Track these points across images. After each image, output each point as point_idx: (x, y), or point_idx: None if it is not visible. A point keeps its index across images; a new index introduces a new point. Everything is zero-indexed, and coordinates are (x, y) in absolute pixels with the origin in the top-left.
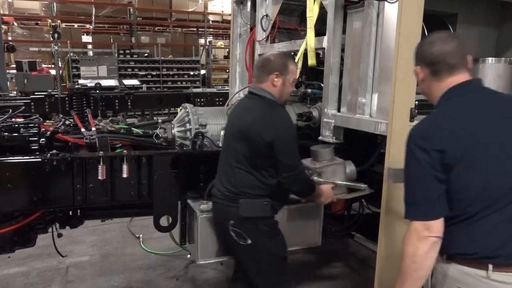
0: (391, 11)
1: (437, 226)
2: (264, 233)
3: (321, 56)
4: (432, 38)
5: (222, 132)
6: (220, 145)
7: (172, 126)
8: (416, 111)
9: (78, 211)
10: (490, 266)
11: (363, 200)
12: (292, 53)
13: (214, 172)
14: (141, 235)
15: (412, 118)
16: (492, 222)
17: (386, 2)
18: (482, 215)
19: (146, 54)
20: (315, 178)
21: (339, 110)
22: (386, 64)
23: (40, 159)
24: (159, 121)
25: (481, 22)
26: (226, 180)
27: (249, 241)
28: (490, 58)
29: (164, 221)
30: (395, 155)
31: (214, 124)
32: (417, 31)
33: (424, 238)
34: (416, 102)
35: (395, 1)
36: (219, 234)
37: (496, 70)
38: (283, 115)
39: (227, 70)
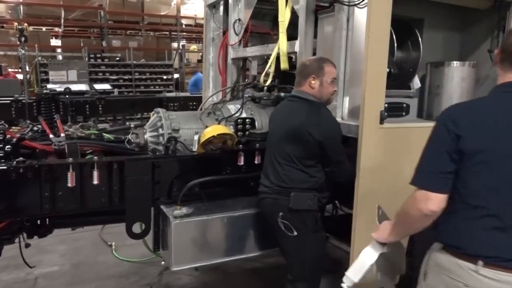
0: (360, 16)
1: (437, 200)
2: (309, 226)
3: (293, 60)
4: None
5: (196, 137)
6: (194, 149)
7: (144, 131)
8: (386, 113)
9: (47, 219)
10: (481, 262)
11: (336, 201)
12: (265, 57)
13: (188, 176)
14: (113, 243)
15: (382, 121)
16: (491, 224)
17: (355, 7)
18: (482, 214)
19: (117, 58)
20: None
21: None
22: (356, 68)
23: (5, 167)
24: (132, 126)
25: (446, 27)
26: (274, 177)
27: (295, 233)
28: (455, 62)
29: (137, 227)
30: (367, 157)
31: (187, 128)
32: (385, 35)
33: (419, 209)
34: (386, 104)
35: (364, 6)
36: (269, 226)
37: (460, 73)
38: (328, 115)
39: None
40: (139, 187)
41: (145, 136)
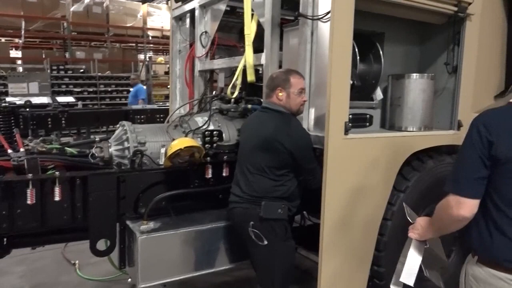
0: (324, 29)
1: (468, 205)
2: (279, 235)
3: (260, 72)
4: None
5: (162, 150)
6: (161, 163)
7: (109, 144)
8: (350, 124)
9: (4, 239)
10: None
11: (304, 212)
12: (233, 69)
13: (155, 191)
14: (77, 261)
15: (346, 131)
16: None
17: (319, 21)
18: None
19: (81, 70)
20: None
21: None
22: (321, 80)
23: None
24: (96, 139)
25: (405, 41)
26: (245, 186)
27: (266, 242)
28: (414, 74)
29: (101, 244)
30: (332, 167)
31: (153, 141)
32: (348, 48)
33: (450, 215)
34: (350, 115)
35: (327, 21)
36: (238, 237)
37: (420, 85)
38: (298, 125)
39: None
40: (104, 203)
41: (110, 150)
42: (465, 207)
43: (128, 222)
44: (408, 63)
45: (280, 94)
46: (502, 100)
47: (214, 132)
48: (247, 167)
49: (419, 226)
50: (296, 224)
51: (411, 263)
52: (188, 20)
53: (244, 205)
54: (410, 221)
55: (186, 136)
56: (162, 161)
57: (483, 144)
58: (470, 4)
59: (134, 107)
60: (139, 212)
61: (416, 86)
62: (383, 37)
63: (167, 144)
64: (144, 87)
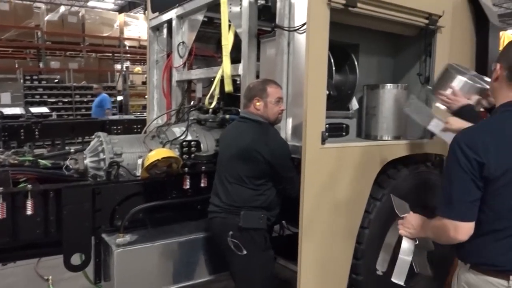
0: (300, 40)
1: (465, 229)
2: (258, 245)
3: (238, 82)
4: None
5: (139, 161)
6: (137, 174)
7: (84, 156)
8: (327, 134)
9: None
10: None
11: (283, 221)
12: (212, 79)
13: (132, 203)
14: (50, 277)
15: (323, 141)
16: None
17: (295, 33)
18: (510, 233)
19: (56, 80)
20: None
21: None
22: (298, 90)
23: None
24: (71, 151)
25: (379, 52)
26: (224, 196)
27: (245, 252)
28: (388, 85)
29: (76, 259)
30: (310, 176)
31: (130, 152)
32: (323, 59)
33: (448, 237)
34: (327, 125)
35: (303, 32)
36: (216, 248)
37: (394, 95)
38: (276, 134)
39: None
40: (78, 216)
41: (85, 162)
42: (463, 231)
43: (103, 235)
44: (382, 74)
45: (258, 103)
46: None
47: (192, 143)
48: (225, 177)
49: (410, 225)
50: (275, 234)
51: (402, 263)
52: (165, 31)
53: (223, 215)
54: (398, 214)
55: (163, 146)
56: (139, 172)
57: (473, 167)
58: (440, 17)
59: (111, 117)
60: (116, 224)
61: (390, 96)
62: (358, 49)
63: (144, 155)
64: (108, 96)
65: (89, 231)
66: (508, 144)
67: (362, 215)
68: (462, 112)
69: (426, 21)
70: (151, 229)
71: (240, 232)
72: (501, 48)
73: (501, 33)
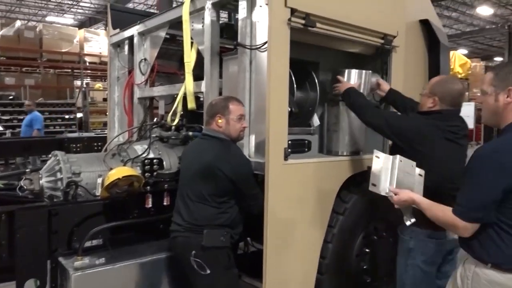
0: (262, 58)
1: (473, 229)
2: (221, 264)
3: (201, 99)
4: None
5: (99, 180)
6: (97, 194)
7: (40, 176)
8: (289, 150)
9: None
10: None
11: (248, 238)
12: (175, 96)
13: (91, 224)
14: None
15: (286, 157)
16: None
17: (257, 51)
18: None
19: (11, 97)
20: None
21: None
22: (260, 107)
23: None
24: (26, 170)
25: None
26: (187, 214)
27: (208, 271)
28: None
29: (30, 285)
30: (273, 192)
31: (89, 171)
32: (285, 77)
33: (454, 231)
34: (289, 141)
35: (265, 50)
36: (178, 268)
37: (351, 112)
38: (238, 151)
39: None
40: (33, 239)
41: (41, 182)
42: (471, 231)
43: (60, 259)
44: None
45: (220, 121)
46: None
47: (154, 160)
48: (188, 195)
49: (405, 200)
50: (240, 251)
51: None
52: (126, 47)
53: (186, 234)
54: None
55: (124, 165)
56: (98, 192)
57: (497, 179)
58: (395, 37)
59: (70, 135)
60: (74, 247)
61: (350, 112)
62: (318, 66)
63: (104, 173)
64: (40, 115)
65: (44, 254)
66: None
67: (326, 229)
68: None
69: (382, 41)
70: (112, 250)
71: (203, 251)
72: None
73: (452, 52)
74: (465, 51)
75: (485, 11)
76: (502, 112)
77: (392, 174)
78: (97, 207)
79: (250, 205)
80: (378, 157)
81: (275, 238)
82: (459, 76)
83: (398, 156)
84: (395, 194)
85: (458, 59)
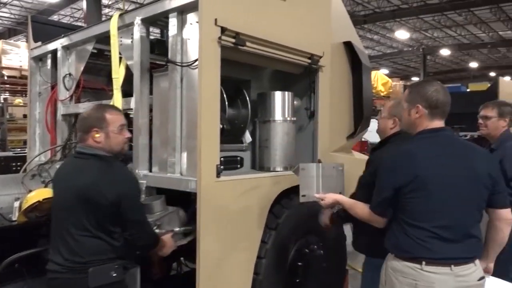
0: (193, 76)
1: (383, 221)
2: None
3: (131, 116)
4: (437, 87)
5: (16, 204)
6: (14, 218)
7: None
8: (222, 167)
9: None
10: (423, 262)
11: (182, 258)
12: None
13: (5, 251)
14: None
15: (218, 174)
16: (428, 235)
17: (188, 68)
18: (423, 229)
19: None
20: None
21: (150, 170)
22: (192, 124)
23: None
24: None
25: (270, 87)
26: (67, 251)
27: None
28: (278, 118)
29: None
30: (206, 210)
31: (4, 194)
32: (216, 94)
33: (369, 219)
34: (222, 158)
35: (196, 68)
36: None
37: (283, 128)
38: (122, 169)
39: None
40: None
41: None
42: (381, 223)
43: None
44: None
45: (97, 135)
46: (353, 140)
47: None
48: (66, 228)
49: (331, 201)
50: (173, 271)
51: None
52: (49, 61)
53: (67, 275)
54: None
55: (45, 186)
56: (15, 216)
57: (395, 178)
58: (321, 57)
59: None
60: None
61: (280, 129)
62: (249, 84)
63: (22, 196)
64: None
65: None
66: (426, 158)
67: (259, 245)
68: None
69: (309, 61)
70: (30, 280)
71: None
72: (375, 85)
73: (374, 72)
74: (386, 71)
75: (402, 35)
76: (413, 124)
77: (318, 181)
78: (13, 233)
79: (133, 235)
80: (304, 169)
81: (208, 257)
82: (381, 94)
83: (320, 164)
84: (322, 200)
85: (380, 78)
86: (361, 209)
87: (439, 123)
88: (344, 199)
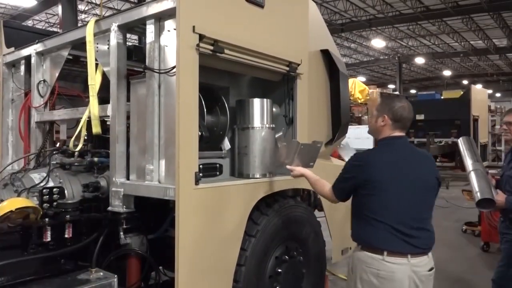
0: (171, 82)
1: (338, 201)
2: None
3: (107, 123)
4: (404, 105)
5: None
6: None
7: None
8: (201, 174)
9: None
10: (385, 253)
11: (160, 267)
12: (79, 120)
13: None
14: None
15: (197, 181)
16: (389, 229)
17: (166, 75)
18: (382, 223)
19: None
20: None
21: (128, 178)
22: (170, 131)
23: None
24: None
25: (248, 94)
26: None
27: None
28: (257, 126)
29: None
30: (185, 218)
31: None
32: (194, 101)
33: (327, 197)
34: (200, 165)
35: (174, 75)
36: None
37: (262, 135)
38: None
39: None
40: None
41: None
42: (336, 202)
43: None
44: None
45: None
46: (332, 146)
47: (54, 189)
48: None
49: (299, 174)
50: (152, 281)
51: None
52: (23, 67)
53: None
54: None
55: (18, 195)
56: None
57: (356, 174)
58: (299, 65)
59: None
60: None
61: (259, 136)
62: (228, 91)
63: None
64: None
65: None
66: (385, 161)
67: (238, 253)
68: None
69: (287, 68)
70: None
71: None
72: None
73: (352, 79)
74: (363, 79)
75: (378, 43)
76: (378, 130)
77: (294, 155)
78: None
79: None
80: (285, 142)
81: (187, 265)
82: (359, 101)
83: (300, 143)
84: (291, 171)
85: (358, 85)
86: (322, 186)
87: (399, 133)
88: (310, 174)
